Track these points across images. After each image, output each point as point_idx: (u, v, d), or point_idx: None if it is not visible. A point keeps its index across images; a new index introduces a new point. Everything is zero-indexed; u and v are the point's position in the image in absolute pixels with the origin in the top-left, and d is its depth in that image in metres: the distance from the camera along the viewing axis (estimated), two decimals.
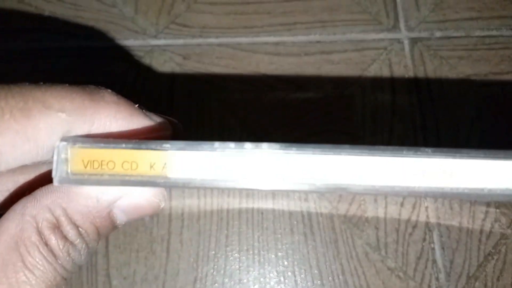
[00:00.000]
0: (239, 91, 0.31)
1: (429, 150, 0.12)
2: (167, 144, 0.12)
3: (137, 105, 0.14)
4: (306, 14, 0.32)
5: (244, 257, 0.28)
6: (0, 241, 0.12)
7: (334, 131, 0.30)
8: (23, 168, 0.13)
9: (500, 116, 0.30)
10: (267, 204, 0.28)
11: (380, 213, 0.28)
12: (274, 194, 0.29)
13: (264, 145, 0.12)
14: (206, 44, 0.32)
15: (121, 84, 0.31)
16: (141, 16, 0.32)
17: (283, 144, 0.12)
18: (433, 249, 0.28)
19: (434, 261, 0.27)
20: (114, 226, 0.14)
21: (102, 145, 0.12)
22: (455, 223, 0.27)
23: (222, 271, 0.27)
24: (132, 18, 0.32)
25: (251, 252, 0.28)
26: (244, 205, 0.28)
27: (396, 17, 0.32)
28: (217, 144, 0.12)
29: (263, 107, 0.30)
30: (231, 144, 0.12)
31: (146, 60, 0.31)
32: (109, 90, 0.14)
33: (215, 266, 0.27)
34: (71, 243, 0.13)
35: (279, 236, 0.28)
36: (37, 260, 0.12)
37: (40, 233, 0.13)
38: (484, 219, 0.27)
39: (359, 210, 0.28)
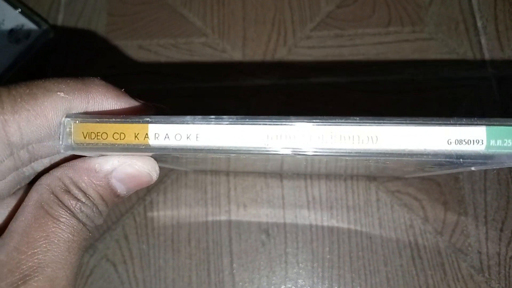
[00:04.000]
0: None
1: (357, 118, 0.14)
2: (147, 118, 0.15)
3: (123, 89, 0.18)
4: (398, 55, 0.36)
5: (356, 278, 0.30)
6: (28, 205, 0.16)
7: None
8: (45, 152, 0.17)
9: None
10: (374, 230, 0.31)
11: (482, 238, 0.30)
12: (380, 220, 0.31)
13: (225, 117, 0.15)
14: (307, 84, 0.36)
15: None
16: (249, 59, 0.37)
17: (239, 117, 0.15)
18: None
19: None
20: (116, 195, 0.18)
21: (97, 120, 0.15)
22: None
23: None
24: (241, 62, 0.36)
25: (362, 273, 0.30)
26: (352, 228, 0.31)
27: (482, 57, 0.35)
28: (188, 117, 0.15)
29: None
30: (199, 117, 0.15)
31: (255, 98, 0.35)
32: (98, 77, 0.17)
33: (329, 285, 0.30)
34: (81, 202, 0.17)
35: (388, 259, 0.30)
36: (60, 212, 0.16)
37: (55, 195, 0.16)
38: None
39: (462, 236, 0.30)
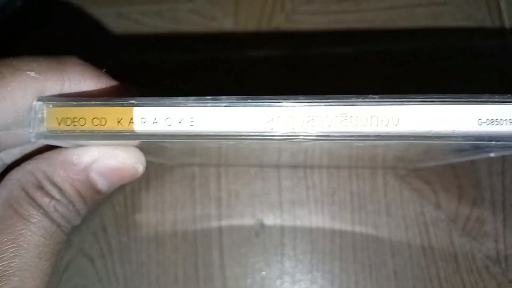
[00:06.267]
0: None
1: (376, 96, 0.13)
2: (132, 100, 0.14)
3: (104, 70, 0.17)
4: (409, 21, 0.33)
5: (360, 271, 0.28)
6: None
7: None
8: (14, 141, 0.16)
9: None
10: (381, 218, 0.29)
11: (499, 226, 0.29)
12: (388, 207, 0.29)
13: (223, 98, 0.14)
14: (308, 55, 0.33)
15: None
16: (241, 28, 0.34)
17: (240, 97, 0.14)
18: None
19: None
20: (96, 190, 0.17)
21: (73, 103, 0.14)
22: None
23: (336, 286, 0.29)
24: (233, 31, 0.34)
25: (367, 266, 0.29)
26: (356, 216, 0.29)
27: (502, 23, 0.33)
28: (180, 98, 0.14)
29: None
30: (193, 98, 0.14)
31: (249, 72, 0.33)
32: (76, 56, 0.16)
33: (330, 279, 0.28)
34: (56, 199, 0.16)
35: (396, 250, 0.29)
36: (31, 211, 0.15)
37: (25, 192, 0.15)
38: None
39: (477, 223, 0.29)
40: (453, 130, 0.13)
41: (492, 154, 0.19)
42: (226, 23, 0.35)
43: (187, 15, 0.35)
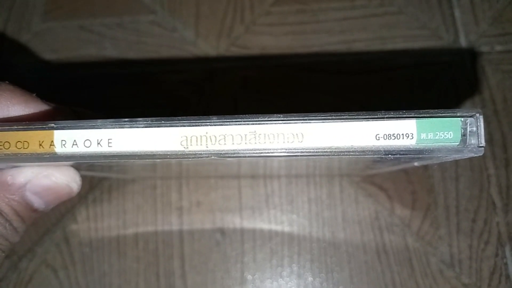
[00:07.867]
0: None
1: (281, 115, 0.15)
2: (52, 124, 0.15)
3: (35, 94, 0.18)
4: (364, 32, 0.34)
5: (317, 277, 0.29)
6: None
7: None
8: None
9: None
10: (337, 224, 0.30)
11: (453, 230, 0.30)
12: (344, 213, 0.30)
13: (140, 120, 0.15)
14: (267, 66, 0.34)
15: (185, 107, 0.33)
16: (202, 39, 0.35)
17: (155, 118, 0.15)
18: (505, 264, 0.29)
19: (508, 276, 0.29)
20: (33, 209, 0.18)
21: None
22: None
23: None
24: (193, 42, 0.35)
25: (324, 271, 0.30)
26: (314, 223, 0.30)
27: (455, 32, 0.34)
28: (99, 121, 0.15)
29: None
30: (110, 120, 0.15)
31: (209, 83, 0.34)
32: (6, 82, 0.17)
33: (289, 285, 0.29)
34: None
35: (352, 255, 0.30)
36: None
37: None
38: None
39: (432, 228, 0.30)
40: (352, 145, 0.14)
41: (416, 164, 0.20)
42: (187, 34, 0.36)
43: (148, 27, 0.36)
